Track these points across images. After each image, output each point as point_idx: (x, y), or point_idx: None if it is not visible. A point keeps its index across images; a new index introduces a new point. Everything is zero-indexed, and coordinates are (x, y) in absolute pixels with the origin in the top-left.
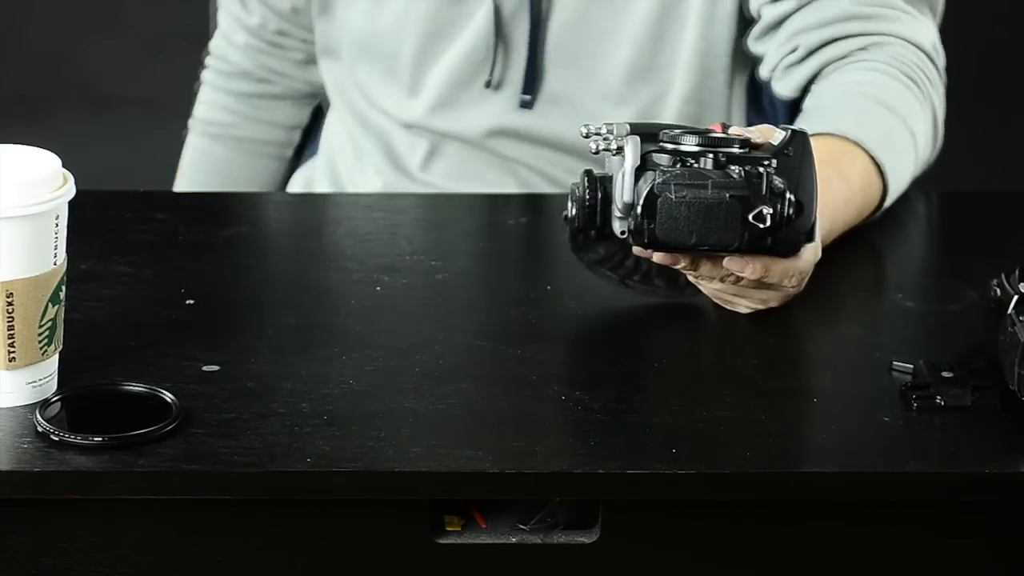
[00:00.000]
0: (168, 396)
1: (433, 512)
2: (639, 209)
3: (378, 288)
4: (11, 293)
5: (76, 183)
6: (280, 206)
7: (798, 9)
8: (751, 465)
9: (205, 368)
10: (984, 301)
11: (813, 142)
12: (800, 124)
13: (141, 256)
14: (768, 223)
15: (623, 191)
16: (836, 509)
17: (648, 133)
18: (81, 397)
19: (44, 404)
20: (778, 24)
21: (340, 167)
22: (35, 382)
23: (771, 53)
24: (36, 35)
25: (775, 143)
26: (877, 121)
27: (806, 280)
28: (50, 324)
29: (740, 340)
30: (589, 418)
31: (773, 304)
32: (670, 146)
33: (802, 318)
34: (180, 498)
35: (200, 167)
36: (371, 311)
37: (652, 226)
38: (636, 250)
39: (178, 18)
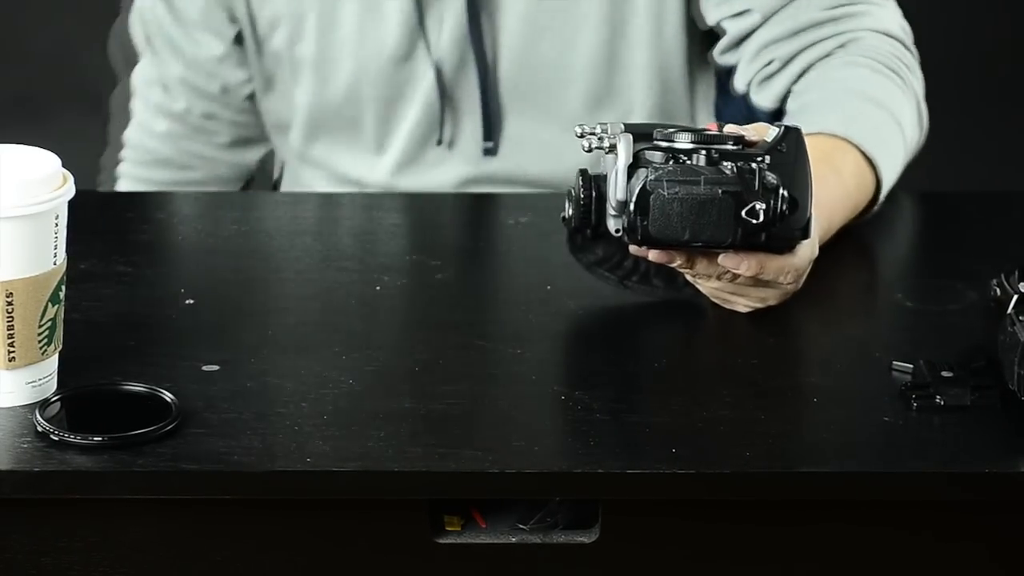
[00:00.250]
0: (168, 396)
1: (433, 512)
2: (632, 206)
3: (378, 288)
4: (11, 293)
5: (76, 183)
6: (280, 206)
7: (764, 22)
8: (751, 465)
9: (205, 368)
10: (984, 301)
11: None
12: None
13: (141, 256)
14: (761, 219)
15: (616, 189)
16: (836, 509)
17: (642, 132)
18: (81, 397)
19: (44, 404)
20: (745, 37)
21: None
22: (35, 382)
23: (743, 67)
24: (36, 35)
25: (769, 140)
26: (864, 116)
27: (804, 277)
28: (50, 324)
29: (740, 340)
30: (589, 418)
31: (772, 302)
32: (664, 144)
33: (802, 318)
34: (180, 498)
35: None
36: (371, 311)
37: (645, 223)
38: (633, 249)
39: None
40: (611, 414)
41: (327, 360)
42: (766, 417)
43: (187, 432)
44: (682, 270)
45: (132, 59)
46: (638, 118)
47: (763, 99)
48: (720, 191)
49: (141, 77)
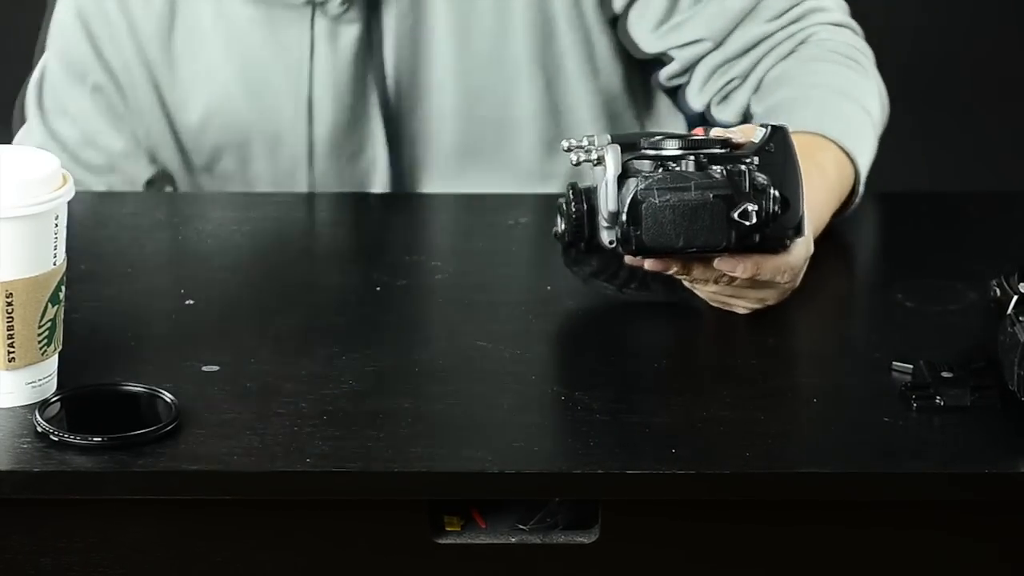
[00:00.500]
0: (168, 396)
1: (433, 512)
2: (624, 216)
3: (378, 288)
4: (11, 293)
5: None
6: (280, 206)
7: (716, 47)
8: (751, 465)
9: (205, 368)
10: (984, 301)
11: None
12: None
13: (141, 256)
14: (754, 220)
15: (607, 200)
16: (836, 509)
17: (629, 142)
18: (81, 397)
19: (44, 404)
20: (697, 62)
21: None
22: (35, 382)
23: (698, 88)
24: (36, 35)
25: (756, 141)
26: (835, 110)
27: (801, 275)
28: (50, 324)
29: (740, 340)
30: (589, 418)
31: (771, 302)
32: (651, 152)
33: (802, 318)
34: (180, 498)
35: None
36: (371, 311)
37: (639, 232)
38: (628, 259)
39: None
40: (611, 414)
41: (327, 360)
42: (766, 417)
43: (187, 432)
44: (679, 277)
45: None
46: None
47: (726, 115)
48: (711, 195)
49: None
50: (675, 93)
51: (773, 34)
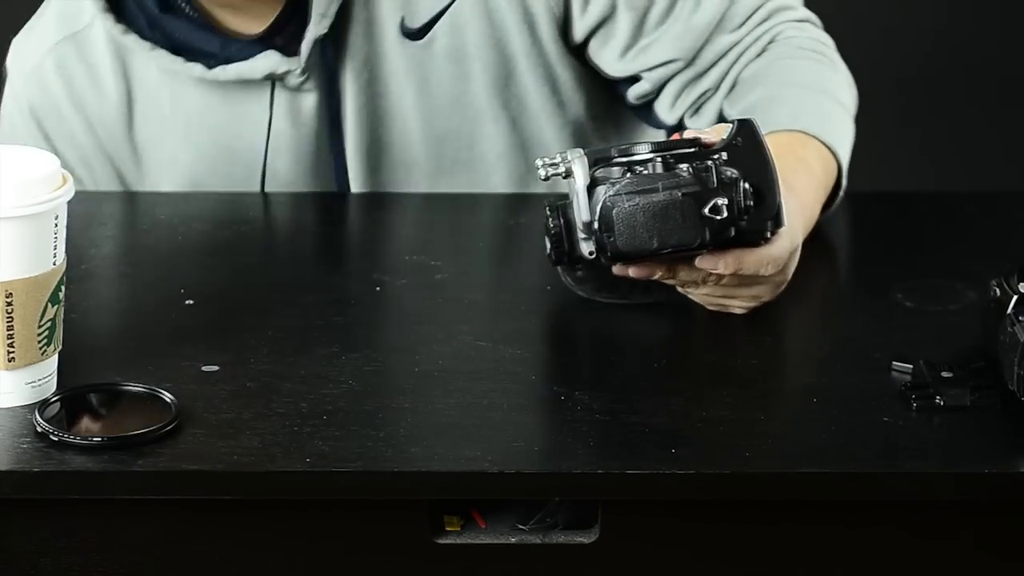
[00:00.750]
0: (168, 396)
1: (433, 512)
2: (596, 225)
3: (378, 288)
4: (10, 293)
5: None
6: (280, 206)
7: (687, 65)
8: (751, 465)
9: (205, 368)
10: (984, 301)
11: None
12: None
13: (141, 256)
14: (725, 214)
15: (580, 211)
16: (836, 509)
17: (602, 156)
18: (81, 397)
19: (43, 404)
20: (667, 81)
21: None
22: (34, 382)
23: (669, 102)
24: None
25: (724, 136)
26: (810, 105)
27: (791, 267)
28: (49, 324)
29: (740, 340)
30: (589, 418)
31: (766, 298)
32: (621, 159)
33: (802, 318)
34: (180, 498)
35: None
36: (371, 311)
37: (612, 238)
38: (615, 269)
39: None
40: (611, 414)
41: (327, 360)
42: (766, 417)
43: (187, 432)
44: (667, 281)
45: None
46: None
47: (700, 125)
48: (679, 194)
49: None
50: (643, 107)
51: (741, 40)
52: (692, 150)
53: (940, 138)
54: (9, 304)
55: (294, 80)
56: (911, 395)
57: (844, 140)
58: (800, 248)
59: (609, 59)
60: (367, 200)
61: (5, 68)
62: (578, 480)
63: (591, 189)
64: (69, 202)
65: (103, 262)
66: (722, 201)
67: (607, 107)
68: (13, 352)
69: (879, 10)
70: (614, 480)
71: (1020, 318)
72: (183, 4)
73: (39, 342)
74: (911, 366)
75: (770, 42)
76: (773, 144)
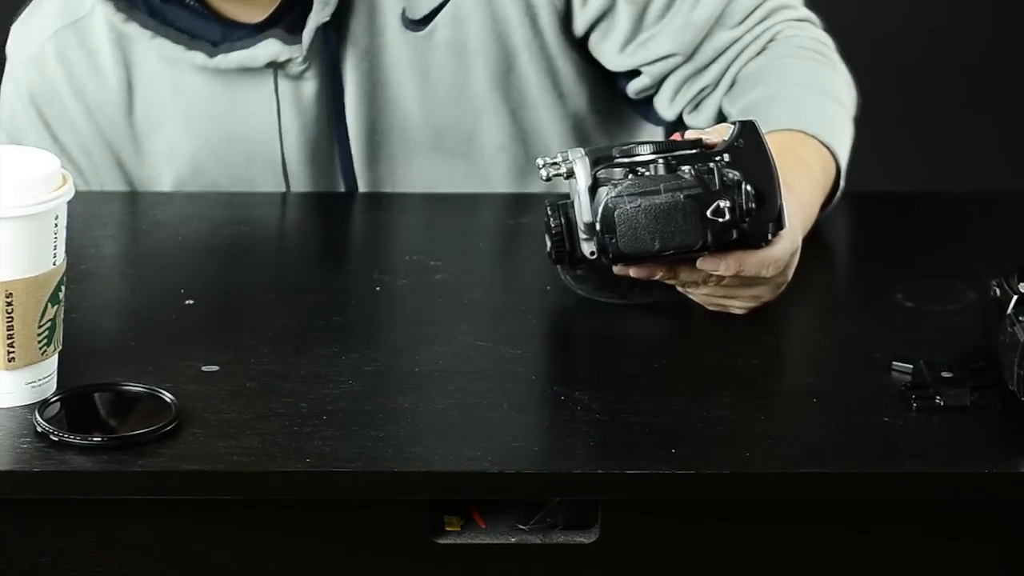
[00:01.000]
0: (168, 396)
1: (433, 512)
2: (598, 226)
3: (378, 288)
4: (10, 293)
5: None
6: (280, 206)
7: (686, 60)
8: (751, 465)
9: (205, 368)
10: (984, 301)
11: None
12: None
13: (141, 256)
14: (727, 216)
15: (582, 212)
16: (836, 509)
17: (603, 155)
18: (81, 397)
19: (43, 404)
20: (667, 75)
21: None
22: (34, 382)
23: (668, 98)
24: None
25: (726, 138)
26: (810, 105)
27: (791, 268)
28: (49, 324)
29: (740, 340)
30: (589, 418)
31: (767, 298)
32: (623, 159)
33: (802, 318)
34: (180, 498)
35: None
36: (371, 311)
37: (614, 240)
38: (616, 269)
39: None
40: (611, 414)
41: (327, 360)
42: (766, 417)
43: (187, 432)
44: (668, 282)
45: None
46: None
47: (699, 121)
48: (681, 196)
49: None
50: (643, 102)
51: (741, 37)
52: (694, 151)
53: (940, 138)
54: (9, 304)
55: (296, 68)
56: (911, 395)
57: (843, 140)
58: (800, 248)
59: (609, 52)
60: (367, 200)
61: (5, 54)
62: (578, 480)
63: (593, 190)
64: (69, 202)
65: (103, 262)
66: (724, 203)
67: (609, 101)
68: (13, 352)
69: (880, 10)
70: (614, 480)
71: (1020, 318)
72: None
73: (39, 342)
74: (911, 366)
75: (770, 41)
76: (773, 143)
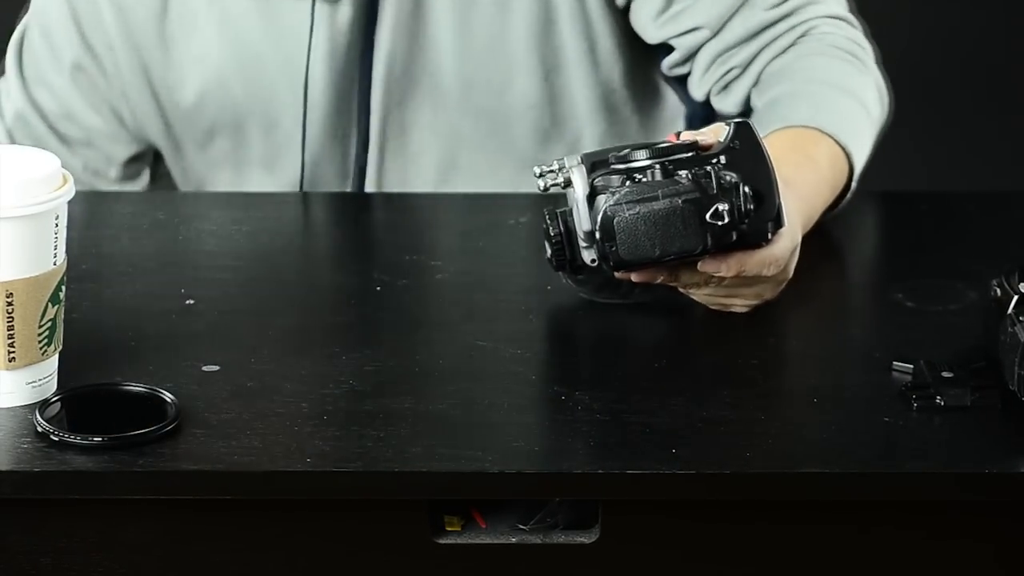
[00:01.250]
0: (168, 396)
1: (433, 512)
2: (598, 235)
3: (378, 288)
4: (11, 293)
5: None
6: (280, 206)
7: (715, 34)
8: (751, 465)
9: (205, 368)
10: (984, 301)
11: (775, 136)
12: (755, 123)
13: (141, 256)
14: (726, 220)
15: (581, 220)
16: (836, 509)
17: (600, 159)
18: (81, 397)
19: (44, 404)
20: (696, 50)
21: None
22: (35, 382)
23: (699, 78)
24: None
25: (721, 139)
26: (831, 104)
27: (792, 265)
28: (50, 324)
29: (740, 340)
30: (589, 418)
31: (769, 296)
32: (619, 166)
33: (802, 318)
34: (180, 498)
35: None
36: (371, 311)
37: (614, 248)
38: (618, 275)
39: None
40: (611, 414)
41: (327, 360)
42: (766, 417)
43: (187, 432)
44: (669, 284)
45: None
46: (588, 145)
47: (726, 105)
48: (679, 201)
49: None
50: (678, 84)
51: (773, 24)
52: (690, 154)
53: (940, 138)
54: (10, 304)
55: None
56: (911, 395)
57: (860, 141)
58: (800, 245)
59: (645, 21)
60: (367, 200)
61: None
62: (578, 480)
63: (591, 198)
64: (69, 202)
65: (103, 262)
66: (723, 207)
67: (642, 80)
68: (13, 352)
69: (878, 8)
70: (614, 480)
71: (1021, 318)
72: None
73: (39, 342)
74: (911, 366)
75: (802, 35)
76: (784, 138)
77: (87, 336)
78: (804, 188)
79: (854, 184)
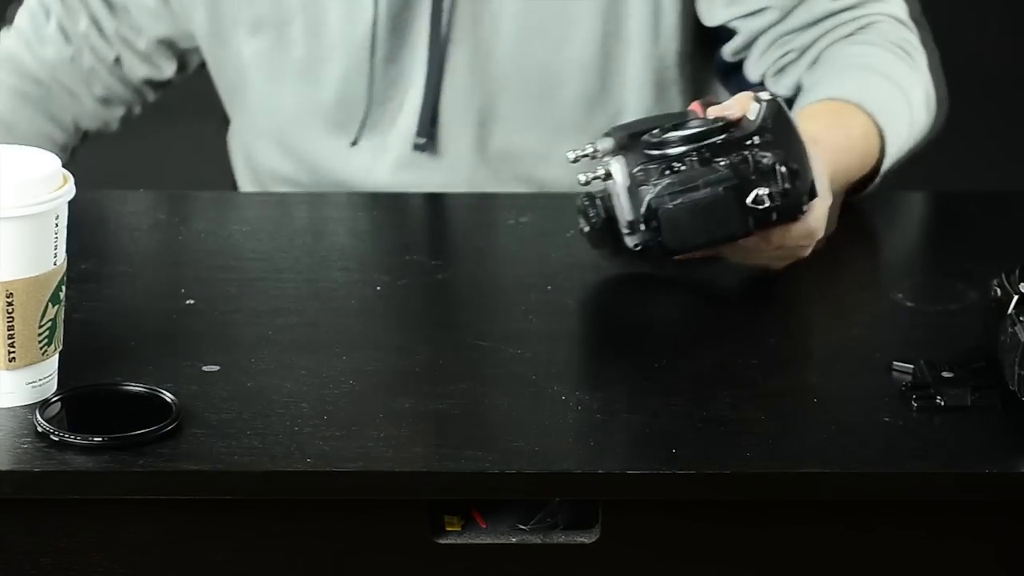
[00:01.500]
0: (168, 396)
1: (433, 512)
2: (642, 226)
3: (378, 288)
4: (11, 293)
5: (76, 183)
6: (281, 206)
7: (781, 19)
8: (751, 465)
9: (205, 368)
10: (984, 301)
11: (814, 105)
12: (801, 99)
13: (141, 256)
14: (767, 203)
15: (623, 211)
16: (836, 509)
17: (631, 142)
18: (81, 397)
19: (44, 404)
20: (760, 33)
21: None
22: (35, 382)
23: (756, 58)
24: None
25: (752, 117)
26: (875, 87)
27: (830, 221)
28: (50, 324)
29: (740, 340)
30: (589, 418)
31: (804, 254)
32: (655, 153)
33: (802, 318)
34: (180, 498)
35: None
36: (371, 311)
37: (660, 239)
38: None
39: None
40: (611, 414)
41: (327, 360)
42: (766, 417)
43: (187, 432)
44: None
45: None
46: (631, 117)
47: (781, 88)
48: (720, 189)
49: None
50: (735, 75)
51: (836, 14)
52: (723, 136)
53: (940, 138)
54: (10, 304)
55: None
56: (911, 395)
57: (896, 128)
58: (831, 198)
59: (709, 3)
60: (367, 200)
61: None
62: (578, 480)
63: (631, 189)
64: (69, 202)
65: (103, 262)
66: (763, 191)
67: (698, 66)
68: (14, 352)
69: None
70: (614, 480)
71: (1021, 318)
72: None
73: (40, 342)
74: (911, 366)
75: (861, 28)
76: (823, 108)
77: (87, 336)
78: (831, 145)
79: (884, 168)
